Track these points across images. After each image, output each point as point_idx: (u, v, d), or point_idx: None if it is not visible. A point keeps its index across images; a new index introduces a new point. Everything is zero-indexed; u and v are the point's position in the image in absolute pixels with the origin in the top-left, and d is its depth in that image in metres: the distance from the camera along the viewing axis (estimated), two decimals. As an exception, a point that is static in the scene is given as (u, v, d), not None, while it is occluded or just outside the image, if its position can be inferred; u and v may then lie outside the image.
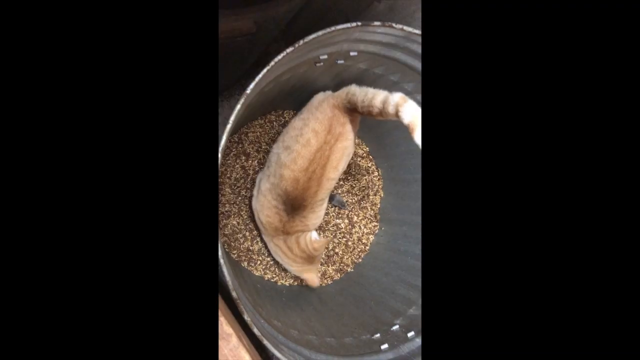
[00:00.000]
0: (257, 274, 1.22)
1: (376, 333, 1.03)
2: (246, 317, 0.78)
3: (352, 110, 0.96)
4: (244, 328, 0.84)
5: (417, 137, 0.80)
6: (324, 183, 0.99)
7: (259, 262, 1.23)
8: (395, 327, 1.04)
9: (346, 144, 0.98)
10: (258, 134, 1.27)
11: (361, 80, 1.11)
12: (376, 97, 0.89)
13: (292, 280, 1.25)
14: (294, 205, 1.00)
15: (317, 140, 0.95)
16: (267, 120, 1.28)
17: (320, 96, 1.03)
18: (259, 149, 1.26)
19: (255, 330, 0.79)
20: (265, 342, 0.79)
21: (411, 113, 0.82)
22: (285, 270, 1.24)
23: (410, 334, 1.00)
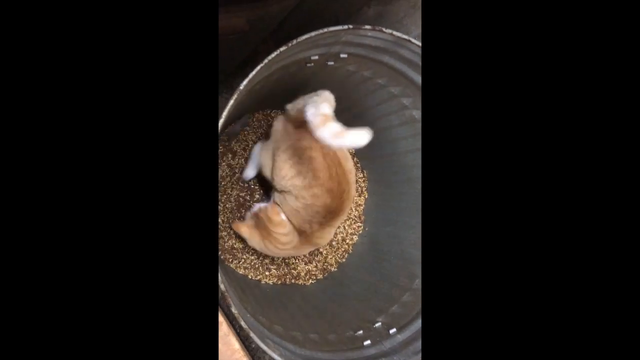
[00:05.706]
0: (240, 272, 1.23)
1: (359, 330, 1.05)
2: (234, 309, 0.79)
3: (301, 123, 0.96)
4: (231, 322, 0.84)
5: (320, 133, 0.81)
6: (350, 178, 1.01)
7: (242, 260, 1.23)
8: (378, 325, 1.06)
9: None
10: (245, 132, 1.27)
11: (350, 82, 1.14)
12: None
13: (275, 279, 1.25)
14: (335, 212, 1.01)
15: (317, 151, 0.96)
16: (254, 119, 1.29)
17: (279, 124, 1.04)
18: (246, 147, 1.26)
19: (242, 323, 0.79)
20: (252, 334, 0.79)
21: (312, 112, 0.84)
22: (268, 269, 1.25)
23: (392, 331, 1.02)
